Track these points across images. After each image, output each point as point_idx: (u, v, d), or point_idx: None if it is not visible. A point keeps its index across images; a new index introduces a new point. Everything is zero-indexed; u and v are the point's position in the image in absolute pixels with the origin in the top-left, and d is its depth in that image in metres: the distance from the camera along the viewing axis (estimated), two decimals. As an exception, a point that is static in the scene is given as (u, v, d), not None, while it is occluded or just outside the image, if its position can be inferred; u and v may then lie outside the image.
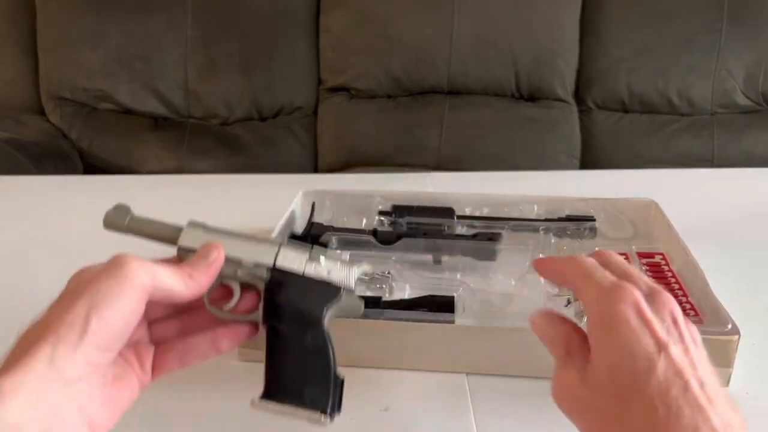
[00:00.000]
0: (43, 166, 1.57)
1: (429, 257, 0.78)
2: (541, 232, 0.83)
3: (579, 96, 1.80)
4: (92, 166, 1.75)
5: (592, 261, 0.49)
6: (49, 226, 0.96)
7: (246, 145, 1.75)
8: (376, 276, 0.71)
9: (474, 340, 0.61)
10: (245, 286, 0.51)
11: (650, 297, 0.45)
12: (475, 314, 0.64)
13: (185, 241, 0.51)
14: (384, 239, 0.78)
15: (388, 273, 0.72)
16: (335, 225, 0.82)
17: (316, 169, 1.79)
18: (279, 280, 0.50)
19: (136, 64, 1.74)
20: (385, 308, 0.63)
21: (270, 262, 0.50)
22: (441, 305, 0.63)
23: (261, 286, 0.50)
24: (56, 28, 1.74)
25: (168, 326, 0.50)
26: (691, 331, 0.44)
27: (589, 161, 1.77)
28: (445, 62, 1.73)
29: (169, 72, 1.75)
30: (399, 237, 0.78)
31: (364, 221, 0.85)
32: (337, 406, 0.48)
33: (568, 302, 0.67)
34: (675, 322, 0.44)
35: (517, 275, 0.74)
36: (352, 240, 0.78)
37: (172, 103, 1.77)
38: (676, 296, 0.69)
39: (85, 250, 0.87)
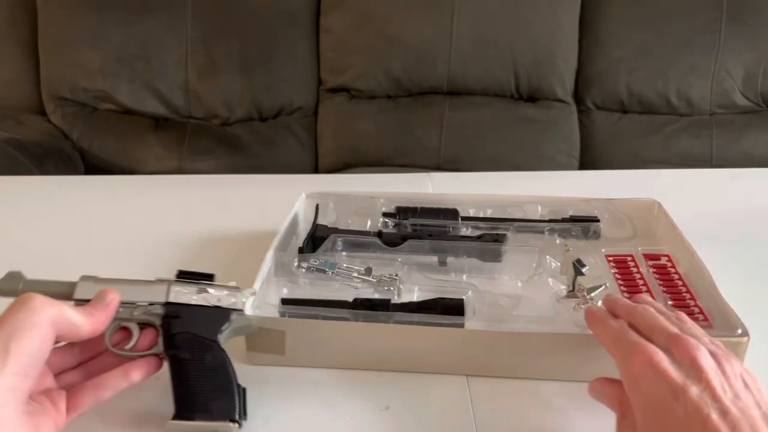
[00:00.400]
0: (44, 167, 1.57)
1: (434, 259, 0.77)
2: (546, 233, 0.83)
3: (578, 96, 1.80)
4: (93, 166, 1.75)
5: (616, 325, 0.52)
6: (50, 226, 0.96)
7: (246, 146, 1.75)
8: (384, 278, 0.71)
9: (484, 344, 0.61)
10: (143, 325, 0.57)
11: (669, 344, 0.48)
12: (485, 316, 0.64)
13: (80, 294, 0.56)
14: (389, 241, 0.78)
15: (396, 275, 0.72)
16: (340, 227, 0.82)
17: (316, 170, 1.80)
18: (173, 313, 0.56)
19: (137, 64, 1.74)
20: (393, 311, 0.63)
21: (163, 299, 0.57)
22: (451, 308, 0.63)
23: (158, 322, 0.56)
24: (57, 29, 1.74)
25: (75, 375, 0.55)
26: (721, 361, 0.46)
27: (588, 161, 1.78)
28: (444, 62, 1.74)
29: (169, 72, 1.75)
30: (404, 239, 0.78)
31: (369, 223, 0.84)
32: (243, 413, 0.54)
33: (577, 305, 0.66)
34: (694, 362, 0.46)
35: (523, 277, 0.74)
36: (358, 242, 0.78)
37: (172, 104, 1.77)
38: (683, 300, 0.69)
39: (86, 250, 0.87)
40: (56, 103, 1.77)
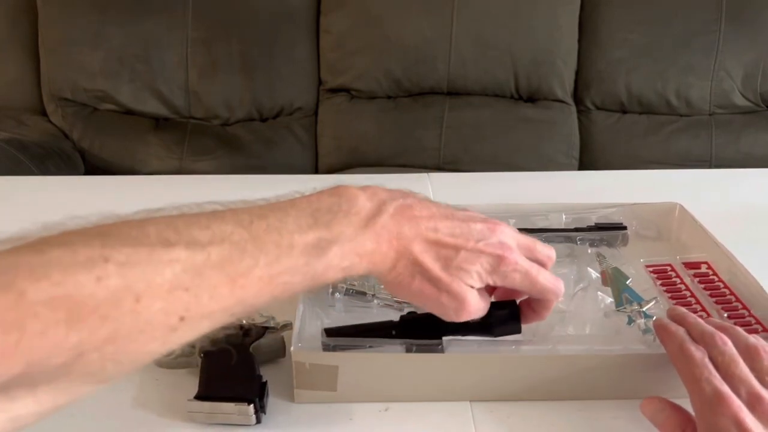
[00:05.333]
0: (45, 167, 1.57)
1: None
2: (578, 243, 0.78)
3: (578, 96, 1.80)
4: (93, 166, 1.75)
5: (698, 357, 0.51)
6: (50, 226, 0.96)
7: (246, 146, 1.75)
8: None
9: (550, 368, 0.58)
10: None
11: (752, 403, 0.48)
12: (540, 337, 0.61)
13: None
14: None
15: None
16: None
17: (316, 170, 1.80)
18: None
19: (137, 64, 1.74)
20: (445, 329, 0.58)
21: None
22: (507, 318, 0.57)
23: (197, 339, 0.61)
24: (57, 29, 1.75)
25: None
26: None
27: (587, 161, 1.78)
28: (444, 63, 1.74)
29: (169, 73, 1.75)
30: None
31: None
32: (263, 407, 0.56)
33: (630, 320, 0.63)
34: None
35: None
36: None
37: (173, 104, 1.77)
38: (735, 310, 0.66)
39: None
40: (57, 104, 1.77)
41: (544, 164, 1.72)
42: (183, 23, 1.74)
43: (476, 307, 0.50)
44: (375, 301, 0.67)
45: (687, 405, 0.52)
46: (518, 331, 0.57)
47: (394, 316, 0.61)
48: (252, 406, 0.55)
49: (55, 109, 1.78)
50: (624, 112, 1.79)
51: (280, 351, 0.63)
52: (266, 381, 0.58)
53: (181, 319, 0.38)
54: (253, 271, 0.41)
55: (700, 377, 0.50)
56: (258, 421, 0.56)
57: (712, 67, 1.73)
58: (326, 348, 0.58)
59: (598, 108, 1.80)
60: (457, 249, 0.48)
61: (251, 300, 0.41)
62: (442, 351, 0.57)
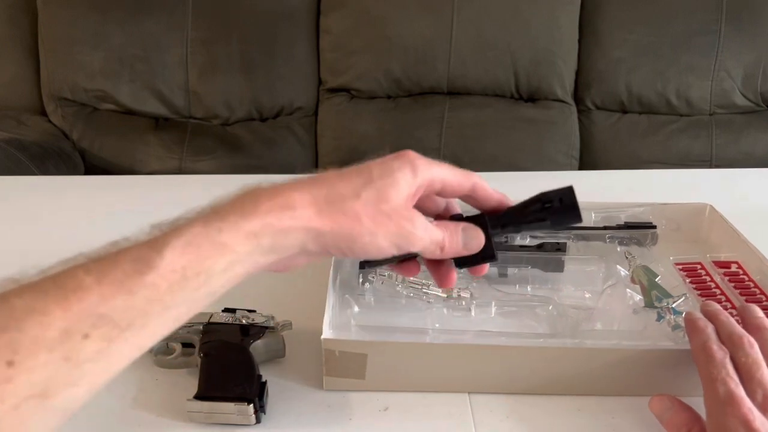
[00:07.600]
0: (45, 167, 1.57)
1: (494, 269, 0.74)
2: (607, 241, 0.79)
3: (578, 96, 1.80)
4: (93, 166, 1.75)
5: (719, 357, 0.51)
6: (50, 226, 0.96)
7: (246, 146, 1.76)
8: (453, 296, 0.68)
9: (587, 361, 0.58)
10: (185, 344, 0.63)
11: (765, 406, 0.47)
12: (569, 332, 0.61)
13: None
14: None
15: (467, 288, 0.68)
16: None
17: (316, 170, 1.79)
18: (210, 329, 0.64)
19: (137, 64, 1.74)
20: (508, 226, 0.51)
21: (205, 321, 0.64)
22: (562, 204, 0.49)
23: (197, 338, 0.63)
24: (57, 29, 1.75)
25: None
26: None
27: (587, 161, 1.78)
28: (444, 63, 1.74)
29: (169, 72, 1.75)
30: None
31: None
32: (262, 407, 0.57)
33: (660, 317, 0.63)
34: None
35: (589, 287, 0.70)
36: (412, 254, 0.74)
37: (173, 104, 1.77)
38: (766, 310, 0.65)
39: (87, 250, 0.87)
40: (57, 104, 1.77)
41: (544, 164, 1.72)
42: (183, 23, 1.74)
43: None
44: (404, 291, 0.68)
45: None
46: (578, 218, 0.49)
47: (423, 306, 0.66)
48: (252, 406, 0.55)
49: (55, 109, 1.78)
50: (624, 112, 1.79)
51: (279, 351, 0.64)
52: (266, 381, 0.58)
53: (9, 364, 0.33)
54: (84, 281, 0.36)
55: (716, 377, 0.50)
56: (258, 421, 0.56)
57: (712, 67, 1.73)
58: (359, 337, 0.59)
59: (598, 108, 1.80)
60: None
61: (109, 309, 0.36)
62: (494, 259, 0.51)
